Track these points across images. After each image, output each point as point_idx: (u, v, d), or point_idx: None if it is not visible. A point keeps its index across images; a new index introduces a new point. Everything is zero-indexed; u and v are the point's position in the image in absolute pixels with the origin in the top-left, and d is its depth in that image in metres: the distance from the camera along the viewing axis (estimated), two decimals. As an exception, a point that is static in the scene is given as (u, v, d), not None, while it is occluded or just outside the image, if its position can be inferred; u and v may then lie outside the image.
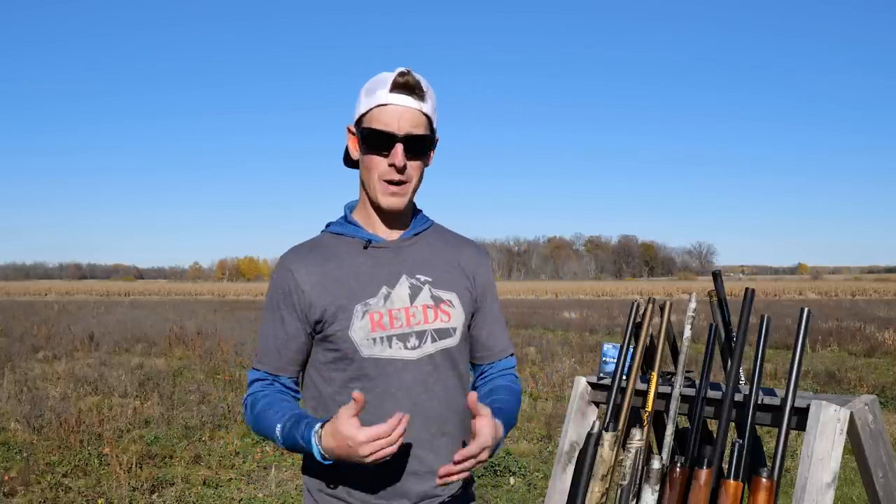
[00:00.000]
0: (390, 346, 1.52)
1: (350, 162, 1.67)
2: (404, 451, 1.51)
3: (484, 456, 1.41)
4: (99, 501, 4.95)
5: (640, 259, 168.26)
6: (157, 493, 5.20)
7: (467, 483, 1.65)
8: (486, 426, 1.41)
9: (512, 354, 1.74)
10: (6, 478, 5.31)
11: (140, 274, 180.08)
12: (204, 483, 5.47)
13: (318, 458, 1.41)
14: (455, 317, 1.59)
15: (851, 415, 1.91)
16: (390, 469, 1.51)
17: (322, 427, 1.40)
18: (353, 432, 1.33)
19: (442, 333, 1.57)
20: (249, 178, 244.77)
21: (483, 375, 1.72)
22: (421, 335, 1.54)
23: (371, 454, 1.33)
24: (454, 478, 1.39)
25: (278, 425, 1.47)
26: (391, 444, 1.34)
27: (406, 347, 1.53)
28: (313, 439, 1.40)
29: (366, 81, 1.56)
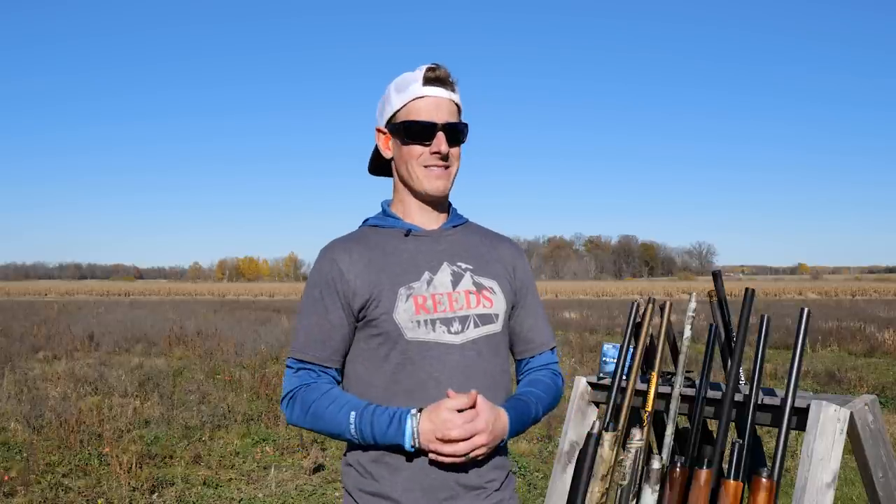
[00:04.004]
0: (434, 330, 1.52)
1: (375, 168, 1.70)
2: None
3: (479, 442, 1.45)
4: (99, 501, 4.95)
5: (640, 259, 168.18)
6: (157, 493, 5.20)
7: (509, 479, 1.64)
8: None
9: (553, 349, 1.75)
10: (6, 478, 5.31)
11: (140, 274, 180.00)
12: (204, 483, 5.47)
13: (408, 442, 1.44)
14: (497, 303, 1.59)
15: (851, 415, 1.91)
16: (430, 459, 1.50)
17: (420, 411, 1.44)
18: (453, 415, 1.41)
19: (485, 319, 1.57)
20: (250, 178, 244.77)
21: (526, 369, 1.72)
22: (464, 320, 1.55)
23: (459, 435, 1.40)
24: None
25: (353, 413, 1.46)
26: (469, 437, 1.42)
27: (450, 332, 1.53)
28: (410, 422, 1.43)
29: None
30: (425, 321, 1.52)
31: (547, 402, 1.66)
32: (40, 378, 10.21)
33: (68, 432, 6.51)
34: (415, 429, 1.42)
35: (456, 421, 1.40)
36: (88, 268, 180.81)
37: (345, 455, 1.61)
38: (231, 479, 5.62)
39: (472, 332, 1.55)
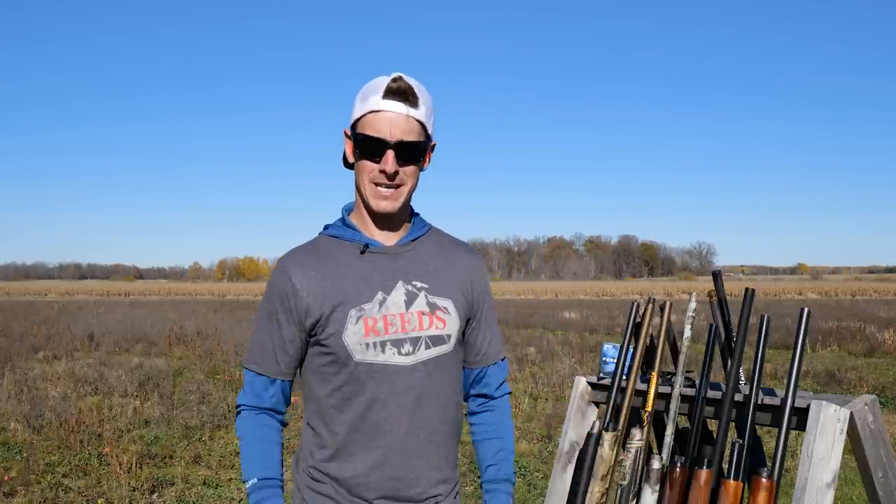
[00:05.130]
0: (383, 352, 1.52)
1: (349, 164, 1.68)
2: (394, 456, 1.53)
3: None
4: (99, 501, 4.95)
5: (640, 259, 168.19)
6: (157, 493, 5.20)
7: (455, 488, 1.66)
8: None
9: (504, 358, 1.75)
10: (6, 478, 5.31)
11: (140, 274, 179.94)
12: (204, 483, 5.47)
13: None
14: (450, 324, 1.59)
15: (851, 415, 1.91)
16: (380, 473, 1.53)
17: None
18: None
19: (436, 340, 1.57)
20: (250, 178, 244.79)
21: (479, 382, 1.72)
22: (415, 341, 1.55)
23: None
24: None
25: (254, 479, 1.57)
26: None
27: (400, 353, 1.53)
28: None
29: (362, 84, 1.57)
30: (374, 343, 1.52)
31: (512, 452, 1.75)
32: (40, 378, 10.21)
33: (68, 432, 6.51)
34: None
35: None
36: (88, 268, 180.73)
37: (294, 457, 1.69)
38: (231, 479, 5.61)
39: (423, 354, 1.55)
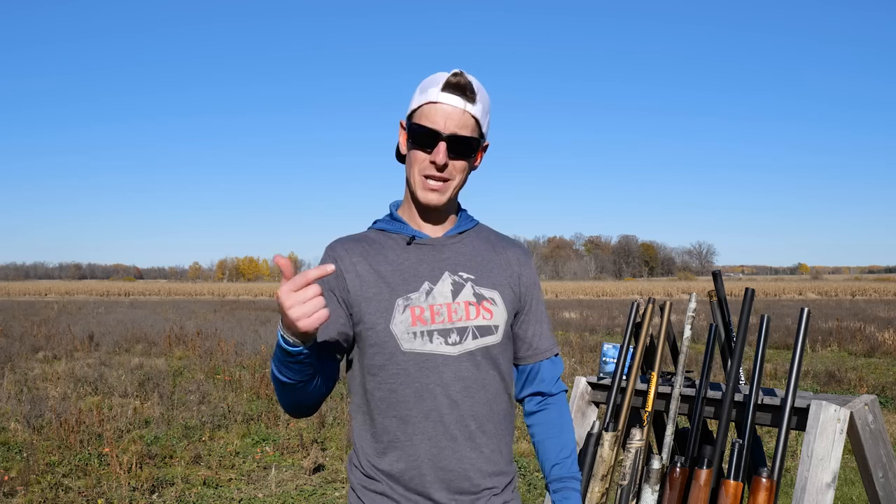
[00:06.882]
0: (431, 341, 1.53)
1: (402, 157, 1.69)
2: (446, 447, 1.53)
3: None
4: (99, 501, 4.95)
5: (640, 259, 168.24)
6: (157, 493, 5.20)
7: (512, 482, 1.64)
8: None
9: (557, 354, 1.73)
10: (6, 478, 5.32)
11: (140, 274, 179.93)
12: (204, 483, 5.47)
13: (282, 341, 1.32)
14: (497, 315, 1.59)
15: (851, 415, 1.92)
16: (432, 464, 1.53)
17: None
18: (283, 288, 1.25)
19: (483, 331, 1.57)
20: (250, 178, 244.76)
21: (534, 379, 1.70)
22: (462, 331, 1.55)
23: (290, 304, 1.24)
24: None
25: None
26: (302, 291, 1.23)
27: (447, 343, 1.53)
28: (279, 328, 1.33)
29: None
30: (422, 332, 1.52)
31: (573, 440, 1.70)
32: (40, 378, 10.21)
33: (68, 432, 6.51)
34: (281, 328, 1.32)
35: (282, 287, 1.24)
36: (88, 268, 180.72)
37: (349, 455, 1.65)
38: (231, 479, 5.62)
39: (471, 344, 1.55)
